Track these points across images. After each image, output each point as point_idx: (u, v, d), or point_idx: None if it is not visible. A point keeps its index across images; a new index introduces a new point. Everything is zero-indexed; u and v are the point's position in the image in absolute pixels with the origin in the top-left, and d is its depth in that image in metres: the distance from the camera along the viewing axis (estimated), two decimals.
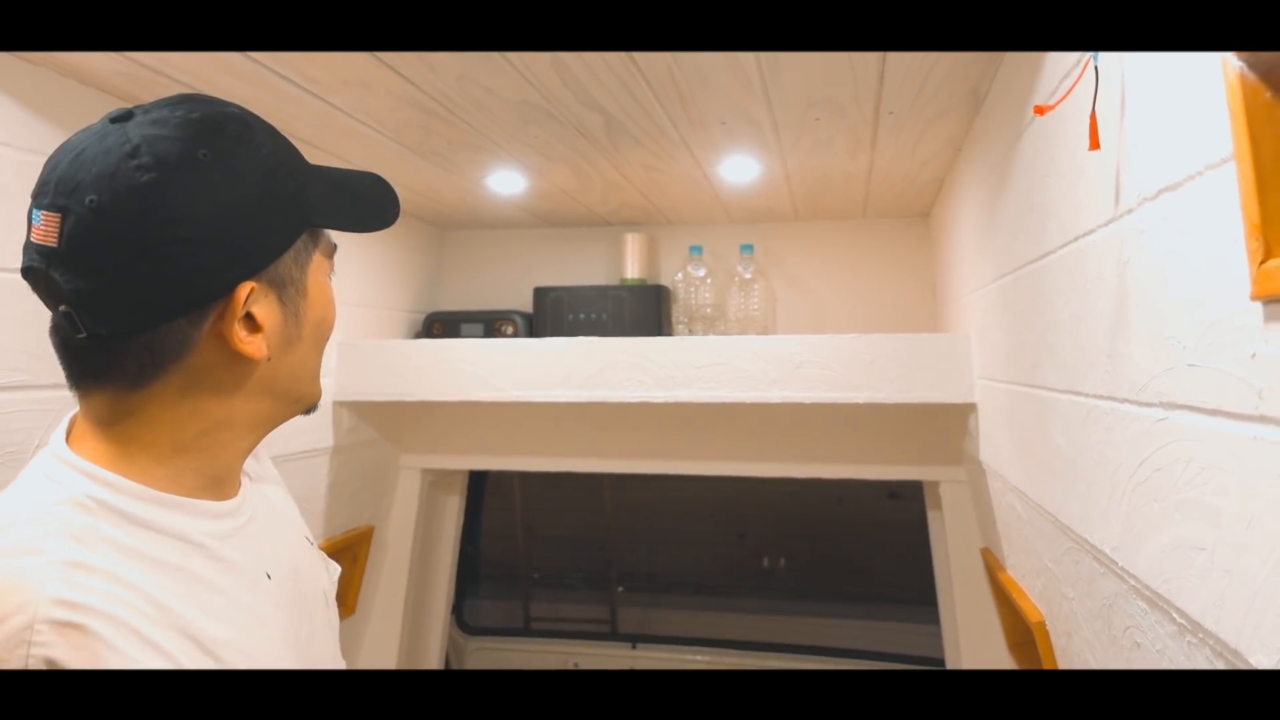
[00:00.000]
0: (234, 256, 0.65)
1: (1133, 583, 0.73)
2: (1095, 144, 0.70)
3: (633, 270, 2.25)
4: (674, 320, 2.24)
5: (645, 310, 2.12)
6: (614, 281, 2.32)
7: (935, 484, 1.98)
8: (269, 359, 0.69)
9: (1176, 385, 0.61)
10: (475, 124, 1.43)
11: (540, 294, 2.20)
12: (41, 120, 1.14)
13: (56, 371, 1.14)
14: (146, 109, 0.66)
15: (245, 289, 0.66)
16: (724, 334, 2.19)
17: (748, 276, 2.18)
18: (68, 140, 0.66)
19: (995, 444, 1.39)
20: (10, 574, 0.55)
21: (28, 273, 0.65)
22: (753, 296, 2.18)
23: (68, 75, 1.18)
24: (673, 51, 1.10)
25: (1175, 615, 0.64)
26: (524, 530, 3.14)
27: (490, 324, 2.19)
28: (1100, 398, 0.79)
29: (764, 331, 2.18)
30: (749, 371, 1.66)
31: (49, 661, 0.53)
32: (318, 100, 1.30)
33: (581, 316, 2.15)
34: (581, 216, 2.25)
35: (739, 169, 1.73)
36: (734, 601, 3.12)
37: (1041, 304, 1.01)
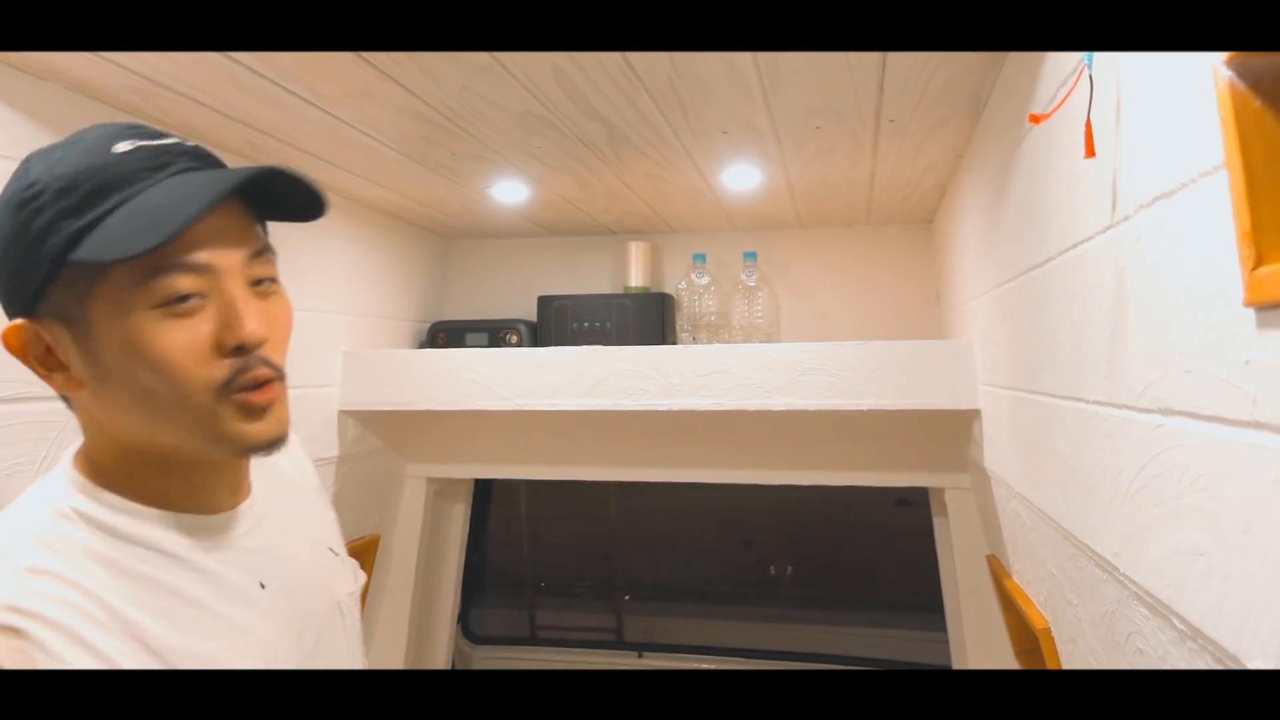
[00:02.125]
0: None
1: (1134, 589, 0.73)
2: (1091, 152, 0.70)
3: (636, 278, 2.25)
4: (678, 328, 2.25)
5: (649, 318, 2.13)
6: (618, 290, 2.33)
7: (941, 490, 1.97)
8: (89, 394, 0.67)
9: (1174, 391, 0.61)
10: (478, 135, 1.44)
11: (544, 303, 2.21)
12: (50, 136, 1.15)
13: None
14: None
15: (15, 325, 0.66)
16: (728, 342, 2.19)
17: (751, 284, 2.18)
18: None
19: (999, 450, 1.39)
20: None
21: None
22: (756, 304, 2.19)
23: (76, 90, 1.19)
24: (669, 51, 1.09)
25: (1176, 621, 0.64)
26: (529, 539, 3.14)
27: (495, 333, 2.20)
28: (1101, 404, 0.80)
29: (768, 339, 2.18)
30: (753, 379, 1.67)
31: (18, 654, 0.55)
32: (320, 112, 1.31)
33: (585, 325, 2.16)
34: (585, 225, 2.26)
35: (741, 177, 1.74)
36: (740, 609, 3.12)
37: (1042, 310, 1.01)
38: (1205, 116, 0.53)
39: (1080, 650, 1.00)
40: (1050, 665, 1.16)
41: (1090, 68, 0.71)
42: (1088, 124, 0.70)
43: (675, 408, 1.70)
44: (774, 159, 1.60)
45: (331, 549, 0.87)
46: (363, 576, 0.90)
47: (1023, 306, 1.12)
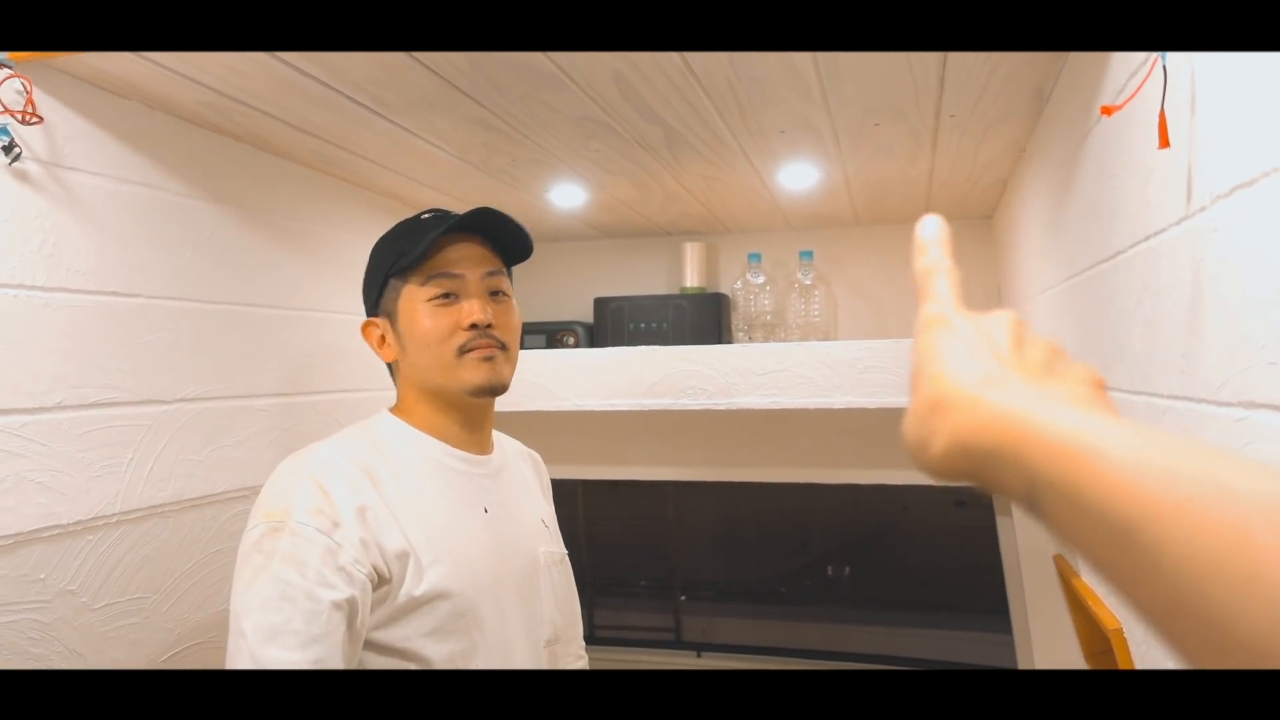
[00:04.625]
0: (367, 305, 1.17)
1: None
2: (1165, 142, 0.69)
3: (692, 279, 2.26)
4: (734, 328, 2.25)
5: (705, 319, 2.13)
6: (673, 291, 2.34)
7: None
8: (399, 360, 1.13)
9: (1256, 384, 0.60)
10: (538, 140, 1.47)
11: (601, 304, 2.23)
12: (132, 151, 1.21)
13: (146, 388, 1.21)
14: None
15: (365, 322, 1.15)
16: (784, 341, 2.19)
17: (808, 283, 2.17)
18: None
19: None
20: (310, 455, 1.01)
21: None
22: (813, 303, 2.18)
23: (156, 108, 1.24)
24: (729, 52, 1.10)
25: None
26: (586, 539, 3.16)
27: (552, 335, 2.22)
28: (1175, 398, 0.78)
29: (825, 338, 2.17)
30: (811, 378, 1.66)
31: (312, 474, 0.96)
32: (385, 121, 1.35)
33: (642, 326, 2.17)
34: (641, 227, 2.27)
35: (798, 176, 1.74)
36: (799, 609, 3.10)
37: (1111, 304, 0.99)
38: None
39: (1155, 651, 0.98)
40: (1123, 666, 1.14)
41: (1164, 58, 0.70)
42: (1161, 115, 0.69)
43: (733, 407, 1.71)
44: (832, 157, 1.60)
45: (543, 521, 1.21)
46: (563, 553, 1.23)
47: (1090, 301, 1.10)
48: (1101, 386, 0.37)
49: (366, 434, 1.09)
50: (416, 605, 0.96)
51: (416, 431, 1.10)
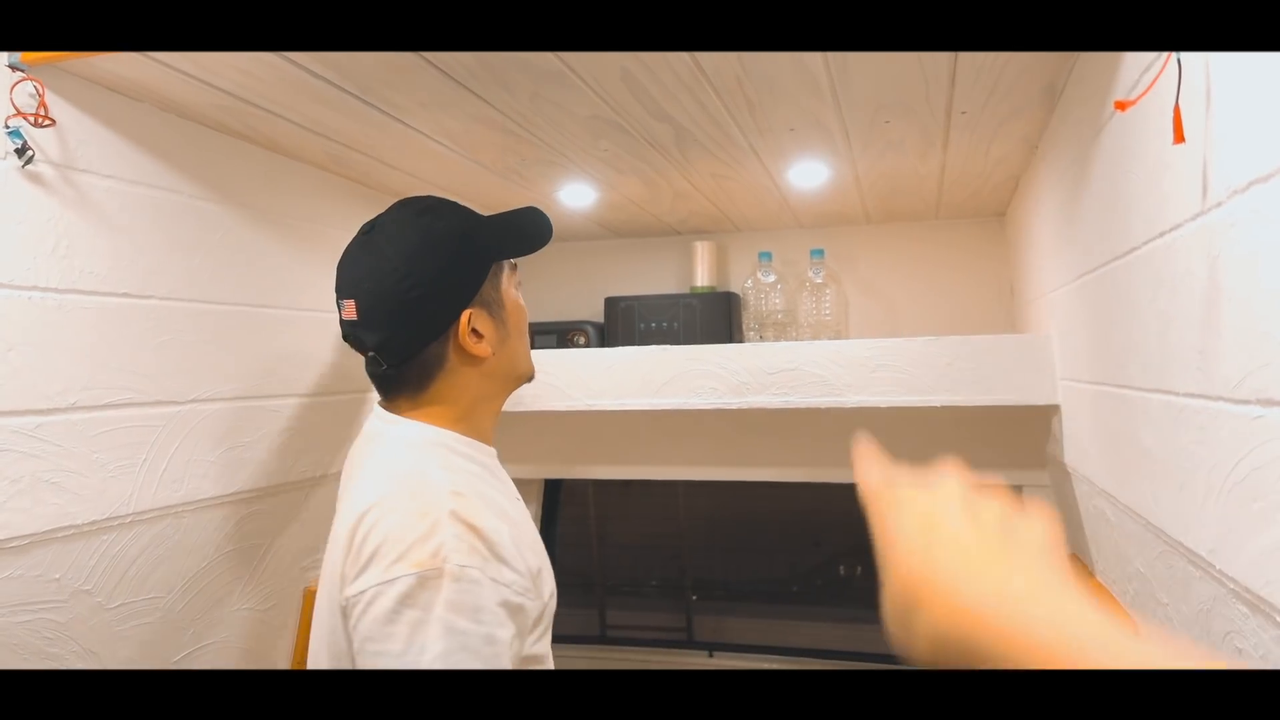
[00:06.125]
0: (454, 297, 1.01)
1: (1232, 586, 0.71)
2: (1180, 137, 0.69)
3: (702, 278, 2.26)
4: (745, 327, 2.24)
5: (716, 318, 2.13)
6: (684, 290, 2.33)
7: (1018, 488, 1.93)
8: (494, 354, 1.05)
9: (1274, 381, 0.60)
10: (548, 140, 1.47)
11: (611, 304, 2.23)
12: (144, 153, 1.21)
13: (160, 389, 1.21)
14: (381, 223, 1.03)
15: (466, 314, 1.01)
16: (795, 339, 2.18)
17: (818, 281, 2.17)
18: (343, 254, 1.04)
19: (1081, 446, 1.36)
20: (432, 488, 0.92)
21: (347, 337, 1.03)
22: (824, 301, 2.17)
23: (169, 110, 1.24)
24: (740, 52, 1.09)
25: (1279, 618, 0.62)
26: (598, 539, 3.16)
27: (563, 335, 2.22)
28: (1192, 396, 0.77)
29: (836, 336, 2.16)
30: (822, 376, 1.66)
31: (453, 512, 0.88)
32: (397, 123, 1.35)
33: (652, 325, 2.17)
34: (651, 226, 2.27)
35: (808, 174, 1.73)
36: (811, 609, 3.09)
37: (1126, 301, 0.99)
38: None
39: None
40: None
41: (1178, 52, 0.69)
42: (1176, 110, 0.69)
43: (744, 406, 1.70)
44: (842, 155, 1.59)
45: (516, 497, 1.17)
46: None
47: (1105, 298, 1.09)
48: (1056, 544, 0.45)
49: (445, 452, 1.01)
50: (542, 614, 0.99)
51: (468, 439, 1.04)
